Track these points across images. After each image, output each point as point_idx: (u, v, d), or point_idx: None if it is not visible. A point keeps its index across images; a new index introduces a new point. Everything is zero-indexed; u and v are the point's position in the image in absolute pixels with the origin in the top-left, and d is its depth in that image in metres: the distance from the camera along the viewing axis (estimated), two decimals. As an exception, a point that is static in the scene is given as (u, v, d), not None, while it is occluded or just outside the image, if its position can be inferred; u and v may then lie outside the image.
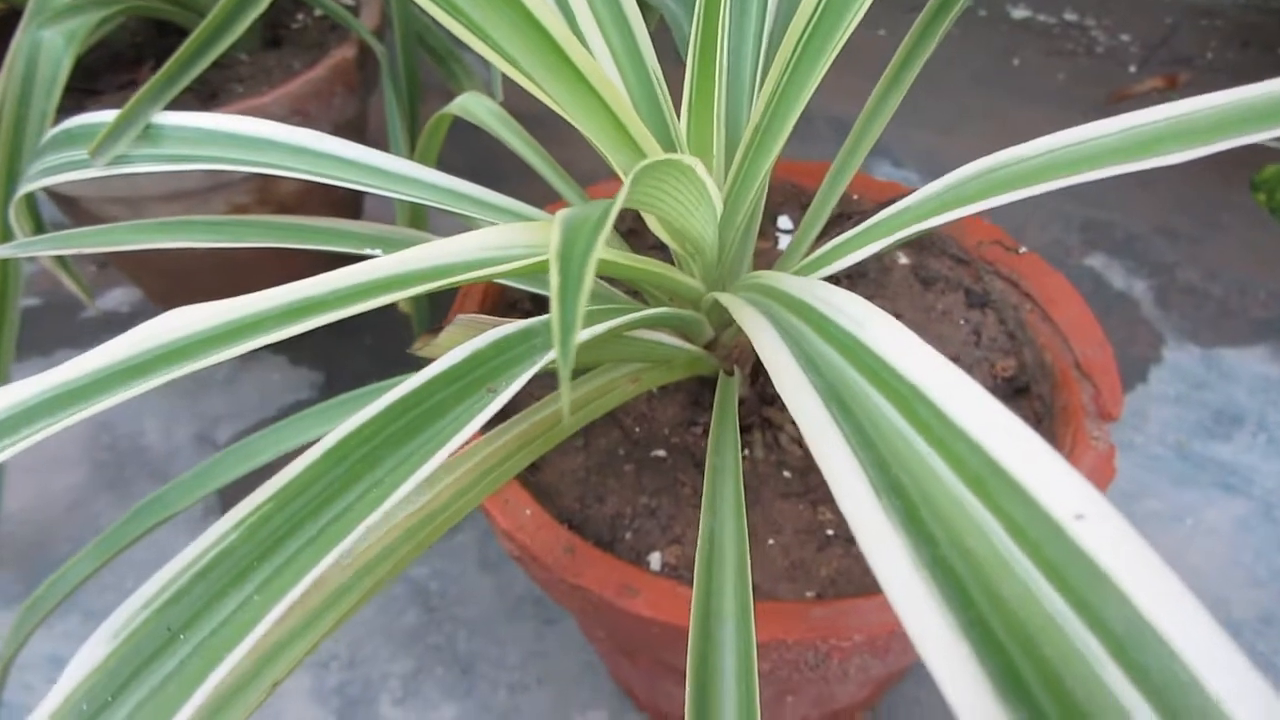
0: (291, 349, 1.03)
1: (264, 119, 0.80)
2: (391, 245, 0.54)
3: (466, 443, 0.34)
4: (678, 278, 0.48)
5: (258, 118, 0.80)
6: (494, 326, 0.37)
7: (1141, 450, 0.93)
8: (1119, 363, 0.58)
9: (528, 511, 0.49)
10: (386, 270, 0.37)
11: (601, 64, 0.50)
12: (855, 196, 0.69)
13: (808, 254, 0.52)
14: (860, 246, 0.41)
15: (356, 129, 0.92)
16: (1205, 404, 0.97)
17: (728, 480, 0.43)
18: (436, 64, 1.02)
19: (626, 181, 0.29)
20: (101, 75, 0.92)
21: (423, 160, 0.63)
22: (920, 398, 0.25)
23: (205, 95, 0.87)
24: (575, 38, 0.43)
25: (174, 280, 0.95)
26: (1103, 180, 1.28)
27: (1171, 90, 1.40)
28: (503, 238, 0.42)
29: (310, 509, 0.27)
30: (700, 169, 0.39)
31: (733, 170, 0.48)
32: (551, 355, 0.36)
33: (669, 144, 0.49)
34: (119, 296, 1.09)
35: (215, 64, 0.90)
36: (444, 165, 0.56)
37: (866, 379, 0.27)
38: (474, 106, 0.57)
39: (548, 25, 0.42)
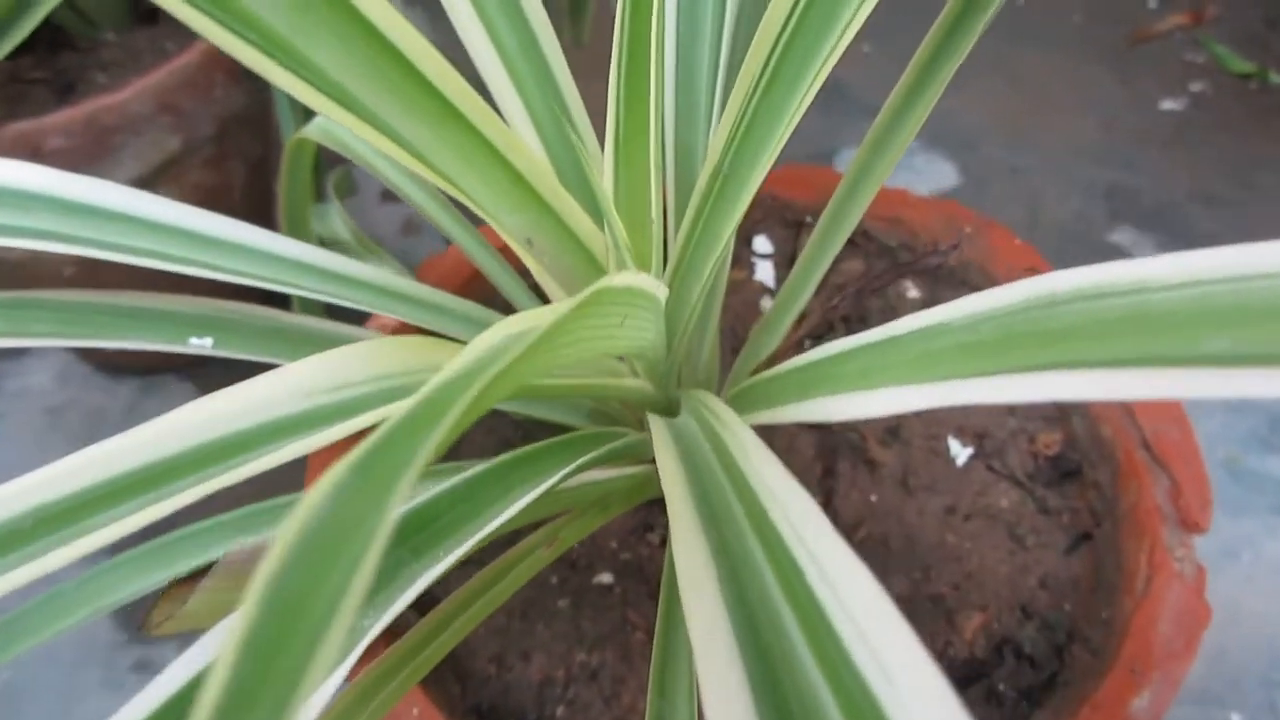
0: (199, 375, 0.88)
1: (121, 125, 0.66)
2: (228, 331, 0.40)
3: None
4: (614, 384, 0.34)
5: (118, 117, 0.66)
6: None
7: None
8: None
9: (415, 710, 0.36)
10: (125, 463, 0.23)
11: (491, 80, 0.35)
12: (851, 209, 0.55)
13: (789, 340, 0.38)
14: (853, 387, 0.27)
15: (254, 126, 0.77)
16: (1258, 408, 0.83)
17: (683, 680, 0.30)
18: None
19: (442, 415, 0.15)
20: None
21: (291, 205, 0.48)
22: None
23: (60, 87, 0.71)
24: (425, 46, 0.29)
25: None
26: (1126, 137, 1.13)
27: (1198, 27, 1.25)
28: (347, 368, 0.28)
29: None
30: (624, 280, 0.25)
31: (682, 232, 0.34)
32: (385, 621, 0.22)
33: (589, 197, 0.35)
34: None
35: (73, 46, 0.76)
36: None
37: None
38: (338, 127, 0.43)
39: (371, 16, 0.27)
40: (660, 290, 0.30)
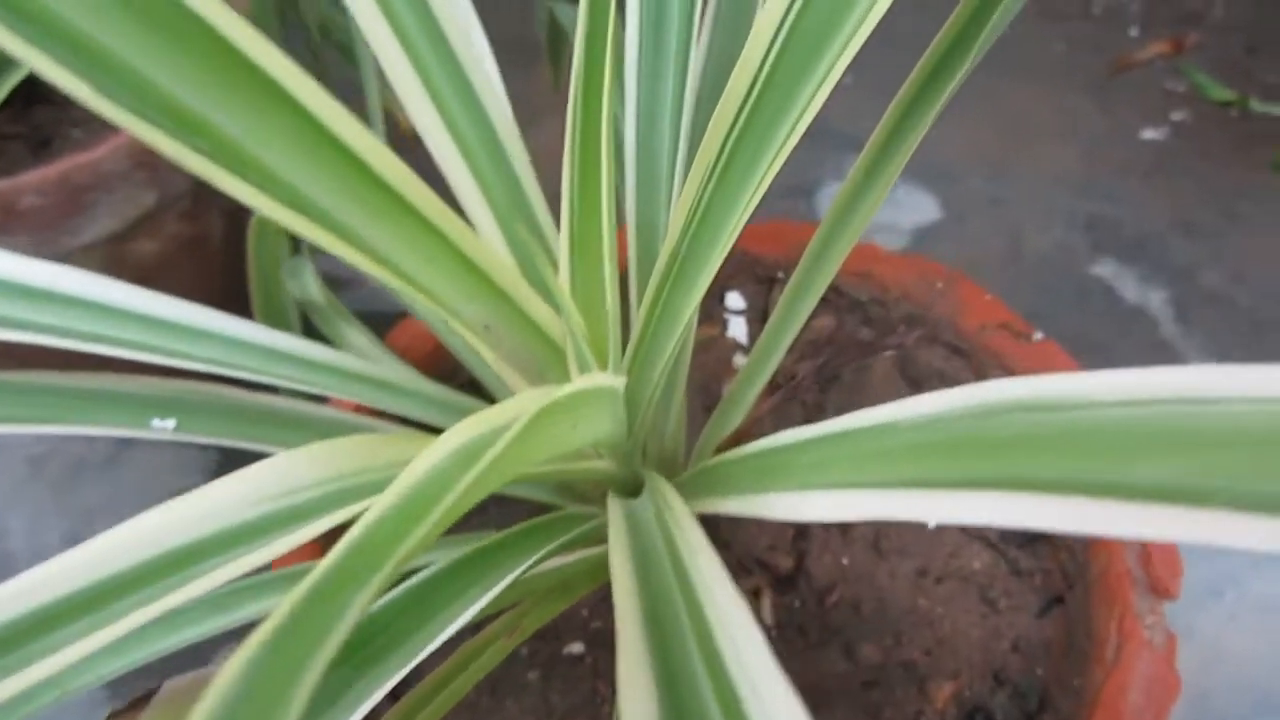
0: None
1: (95, 183, 0.65)
2: (191, 412, 0.40)
3: None
4: (576, 468, 0.34)
5: (92, 175, 0.66)
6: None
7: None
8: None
9: (379, 797, 0.36)
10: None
11: (433, 142, 0.35)
12: (823, 264, 0.55)
13: (759, 409, 0.38)
14: (804, 484, 0.27)
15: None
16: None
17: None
18: (347, 61, 0.87)
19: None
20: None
21: (261, 274, 0.48)
22: None
23: (36, 143, 0.71)
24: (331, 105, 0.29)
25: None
26: (1107, 167, 1.13)
27: (1178, 55, 1.25)
28: (295, 473, 0.28)
29: None
30: (573, 387, 0.25)
31: (642, 315, 0.34)
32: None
33: (540, 280, 0.35)
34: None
35: (49, 100, 0.76)
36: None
37: None
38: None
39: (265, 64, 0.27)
40: (616, 382, 0.30)
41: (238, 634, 0.41)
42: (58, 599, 0.24)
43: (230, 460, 0.86)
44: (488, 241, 0.33)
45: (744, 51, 0.30)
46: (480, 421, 0.26)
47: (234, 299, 0.80)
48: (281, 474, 0.27)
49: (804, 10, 0.30)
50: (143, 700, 0.23)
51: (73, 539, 0.81)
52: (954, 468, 0.23)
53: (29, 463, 0.87)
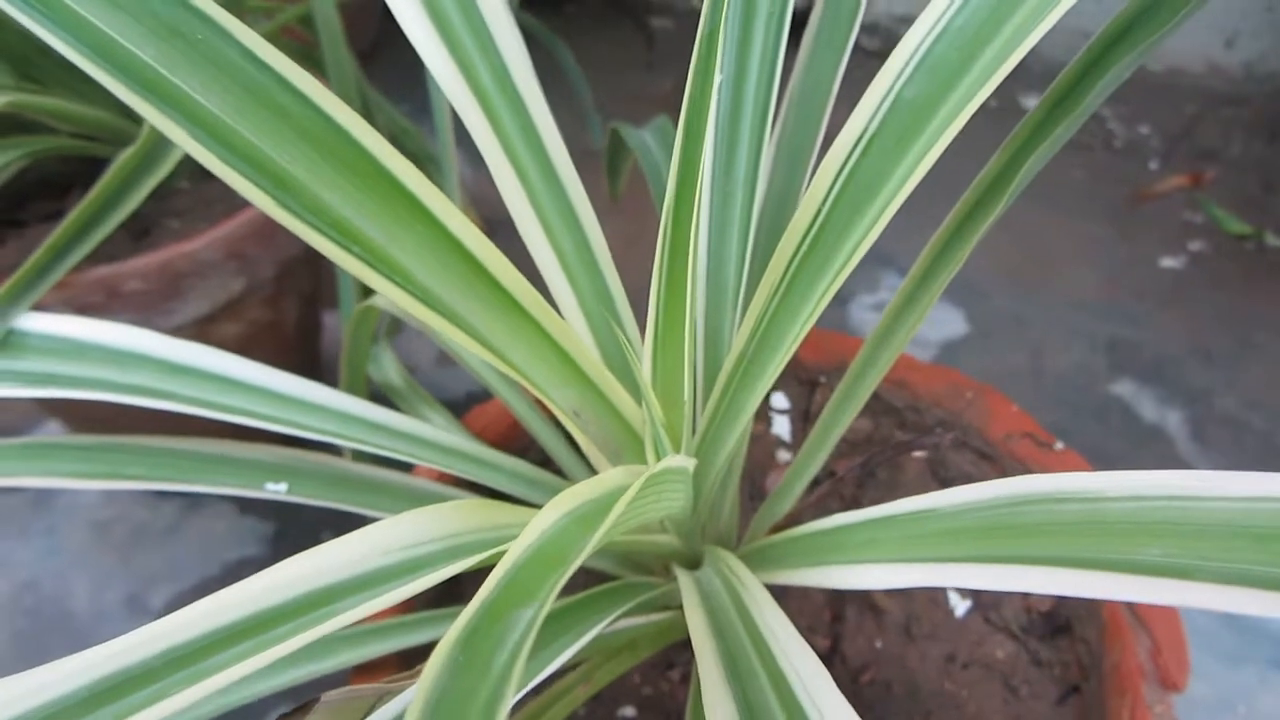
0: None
1: (192, 271, 0.72)
2: (300, 478, 0.44)
3: None
4: (646, 540, 0.38)
5: (190, 264, 0.72)
6: (384, 697, 0.27)
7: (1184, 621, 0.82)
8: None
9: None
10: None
11: (538, 254, 0.41)
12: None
13: (803, 503, 0.43)
14: (856, 559, 0.31)
15: (309, 265, 0.83)
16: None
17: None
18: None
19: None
20: (30, 202, 0.84)
21: (352, 363, 0.53)
22: None
23: (137, 231, 0.78)
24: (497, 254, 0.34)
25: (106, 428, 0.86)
26: (1127, 292, 1.19)
27: (1196, 189, 1.31)
28: (418, 530, 0.32)
29: None
30: (661, 465, 0.30)
31: (709, 410, 0.39)
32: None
33: (630, 378, 0.40)
34: (54, 429, 1.00)
35: (151, 194, 0.83)
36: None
37: None
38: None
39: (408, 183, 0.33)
40: (689, 464, 0.35)
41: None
42: (227, 624, 0.28)
43: (284, 533, 0.90)
44: (579, 337, 0.38)
45: (810, 188, 0.36)
46: (577, 494, 0.31)
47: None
48: (409, 529, 0.32)
49: (863, 156, 0.36)
50: (303, 710, 0.27)
51: (133, 602, 0.86)
52: (988, 547, 0.27)
53: (94, 527, 0.92)
